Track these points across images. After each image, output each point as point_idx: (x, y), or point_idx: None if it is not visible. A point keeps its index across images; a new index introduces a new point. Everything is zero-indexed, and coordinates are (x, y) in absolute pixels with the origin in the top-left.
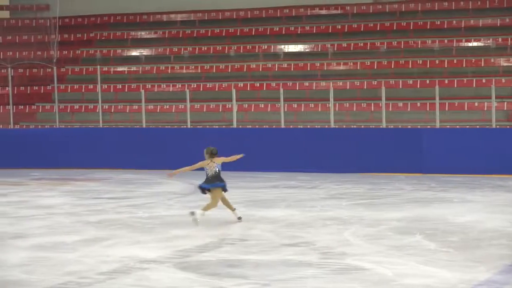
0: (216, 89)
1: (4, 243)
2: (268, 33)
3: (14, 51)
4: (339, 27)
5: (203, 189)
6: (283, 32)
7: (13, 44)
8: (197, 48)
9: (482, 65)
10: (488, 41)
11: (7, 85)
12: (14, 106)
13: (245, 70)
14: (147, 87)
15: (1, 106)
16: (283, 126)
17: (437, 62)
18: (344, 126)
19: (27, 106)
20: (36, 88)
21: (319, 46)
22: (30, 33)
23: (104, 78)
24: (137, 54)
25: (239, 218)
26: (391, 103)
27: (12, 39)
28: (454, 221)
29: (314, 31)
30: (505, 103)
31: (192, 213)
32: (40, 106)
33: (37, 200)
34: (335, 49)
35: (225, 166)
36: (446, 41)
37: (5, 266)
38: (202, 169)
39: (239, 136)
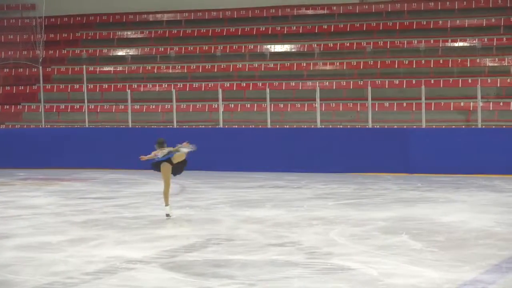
0: (202, 89)
1: None
2: (254, 33)
3: None
4: (326, 27)
5: (155, 165)
6: (270, 32)
7: None
8: (183, 48)
9: (468, 65)
10: (474, 41)
11: None
12: (0, 106)
13: (231, 70)
14: (133, 87)
15: None
16: (269, 126)
17: (423, 62)
18: (331, 126)
19: (13, 106)
20: (22, 88)
21: (305, 46)
22: (15, 32)
23: (90, 78)
24: (123, 54)
25: (168, 215)
26: (377, 103)
27: None
28: (440, 221)
29: (301, 31)
30: (491, 103)
31: (168, 215)
32: (26, 106)
33: (23, 200)
34: (321, 49)
35: (212, 166)
36: (432, 41)
37: None
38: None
39: (225, 136)
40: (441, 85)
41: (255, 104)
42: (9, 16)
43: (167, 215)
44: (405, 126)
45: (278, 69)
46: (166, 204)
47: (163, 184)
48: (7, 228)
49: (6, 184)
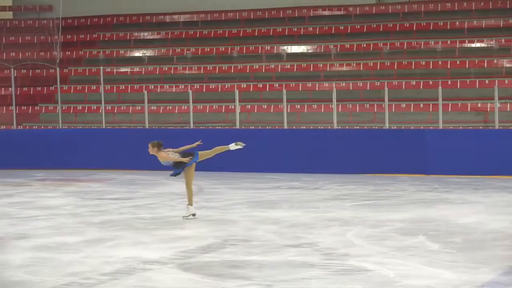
0: (219, 90)
1: (8, 243)
2: (271, 34)
3: (17, 51)
4: (342, 28)
5: (177, 173)
6: (286, 33)
7: (16, 44)
8: (200, 49)
9: (485, 66)
10: (491, 42)
11: (10, 86)
12: (17, 107)
13: (248, 71)
14: (150, 88)
15: (4, 107)
16: (286, 127)
17: (440, 63)
18: (347, 127)
19: (30, 107)
20: (39, 89)
21: (322, 47)
22: (33, 34)
23: (107, 79)
24: (140, 55)
25: (193, 214)
26: (394, 104)
27: (15, 40)
28: (457, 222)
29: (317, 32)
30: (508, 104)
31: (186, 217)
32: (43, 107)
33: (40, 201)
34: (338, 50)
35: (229, 167)
36: (449, 42)
37: (8, 267)
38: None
39: (242, 137)
40: (458, 86)
41: (272, 105)
42: (26, 17)
43: (193, 214)
44: (422, 127)
45: (295, 70)
46: (187, 204)
47: (187, 185)
48: (25, 229)
49: (24, 185)
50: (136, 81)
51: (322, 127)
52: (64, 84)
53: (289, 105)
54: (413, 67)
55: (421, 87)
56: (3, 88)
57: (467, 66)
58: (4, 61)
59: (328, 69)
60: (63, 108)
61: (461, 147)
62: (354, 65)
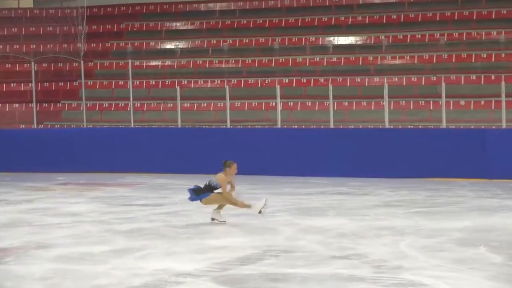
0: (259, 86)
1: (27, 253)
2: (315, 24)
3: (38, 43)
4: (394, 17)
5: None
6: (332, 23)
7: (37, 36)
8: (237, 41)
9: None
10: None
11: (30, 81)
12: (38, 104)
13: (290, 64)
14: (182, 83)
15: (24, 104)
16: (332, 126)
17: (503, 55)
18: (400, 126)
19: (52, 103)
20: (62, 84)
21: (372, 38)
22: (55, 24)
23: (135, 73)
24: (172, 47)
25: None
26: (452, 101)
27: (36, 31)
28: None
29: (367, 22)
30: None
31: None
32: (66, 104)
33: (63, 207)
34: (390, 41)
35: (269, 170)
36: None
37: (28, 279)
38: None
39: (284, 137)
40: None
41: (317, 102)
42: (48, 6)
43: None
44: (483, 127)
45: (342, 63)
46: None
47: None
48: (46, 238)
49: (45, 189)
50: (168, 76)
51: (372, 127)
52: (89, 79)
53: (335, 102)
54: (473, 60)
55: (482, 82)
56: (22, 84)
57: None
58: (23, 54)
59: (379, 63)
60: (88, 105)
61: None
62: (408, 58)
